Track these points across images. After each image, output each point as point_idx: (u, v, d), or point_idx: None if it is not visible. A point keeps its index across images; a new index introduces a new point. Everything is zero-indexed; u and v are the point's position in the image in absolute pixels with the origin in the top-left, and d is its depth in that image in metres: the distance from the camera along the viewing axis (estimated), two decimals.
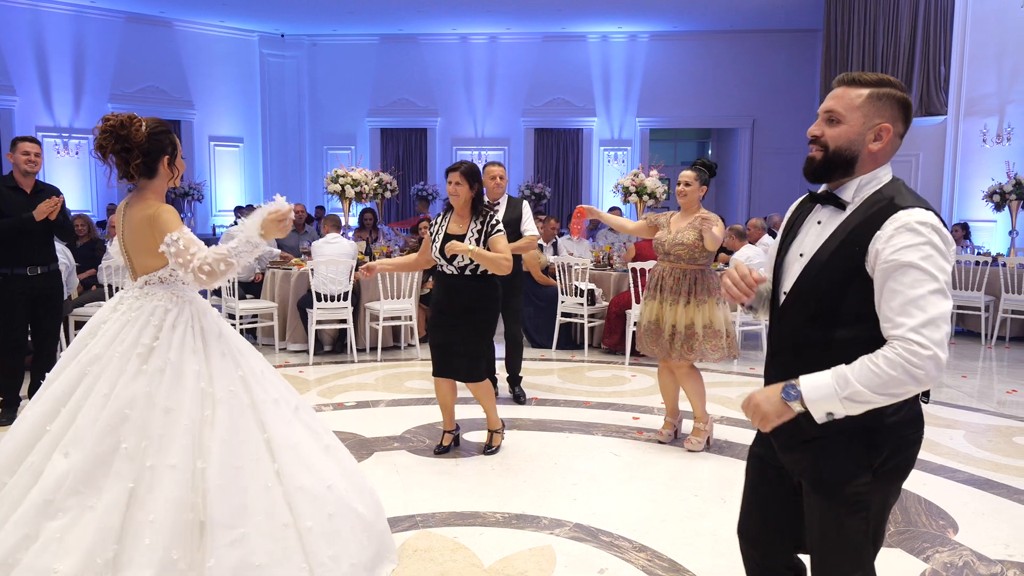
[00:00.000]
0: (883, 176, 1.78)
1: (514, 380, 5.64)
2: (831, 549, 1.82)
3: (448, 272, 4.15)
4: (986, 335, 8.12)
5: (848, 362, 1.67)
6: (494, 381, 5.65)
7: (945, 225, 1.71)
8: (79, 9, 12.34)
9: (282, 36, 14.54)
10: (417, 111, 14.55)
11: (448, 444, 4.44)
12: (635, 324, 6.78)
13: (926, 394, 1.83)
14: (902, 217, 1.67)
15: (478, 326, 4.20)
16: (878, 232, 1.68)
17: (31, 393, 5.10)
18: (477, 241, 4.09)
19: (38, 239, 4.87)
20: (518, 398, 5.57)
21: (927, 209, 1.69)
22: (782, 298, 1.87)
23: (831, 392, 1.64)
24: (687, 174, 4.51)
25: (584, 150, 14.52)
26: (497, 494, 3.87)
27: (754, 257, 7.11)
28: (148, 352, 2.52)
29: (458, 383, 4.39)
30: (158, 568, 2.28)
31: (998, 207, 9.02)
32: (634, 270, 6.65)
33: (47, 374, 2.64)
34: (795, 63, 13.66)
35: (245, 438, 2.52)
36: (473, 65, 14.51)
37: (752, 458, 2.05)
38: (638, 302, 6.71)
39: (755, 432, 2.04)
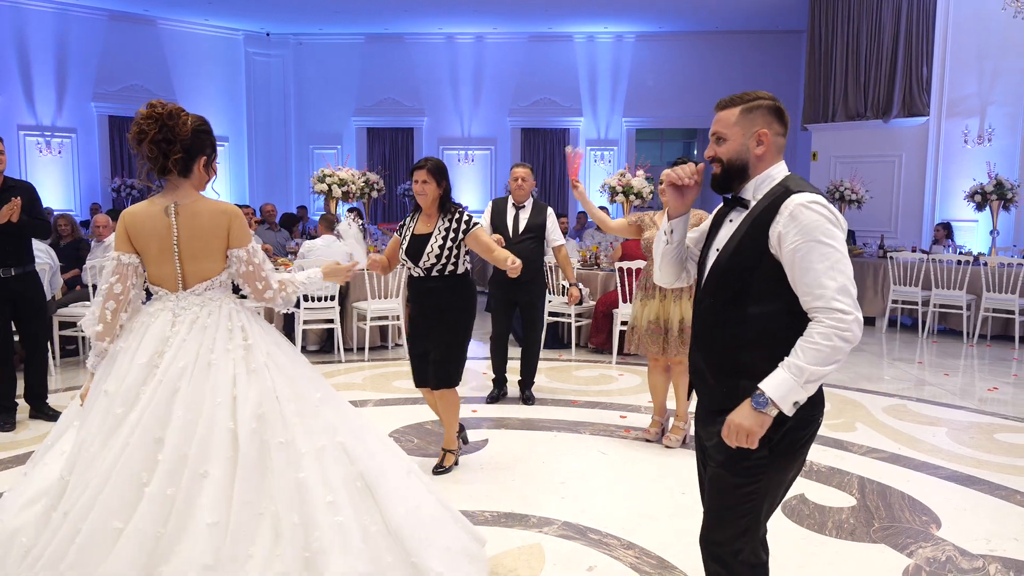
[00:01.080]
0: (776, 174, 2.03)
1: (527, 383, 5.61)
2: (720, 516, 2.05)
3: (415, 275, 3.98)
4: (968, 333, 8.21)
5: (762, 335, 1.95)
6: (501, 388, 5.65)
7: (833, 203, 1.94)
8: (62, 7, 12.23)
9: (267, 35, 14.47)
10: (404, 111, 14.53)
11: (460, 443, 4.36)
12: (624, 324, 6.83)
13: None
14: (794, 199, 1.91)
15: (451, 326, 3.98)
16: (776, 216, 1.92)
17: (27, 397, 5.04)
18: (451, 240, 3.90)
19: (8, 240, 4.69)
20: (527, 400, 5.54)
21: (815, 192, 1.94)
22: (702, 286, 2.12)
23: (792, 384, 1.85)
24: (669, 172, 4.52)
25: None
26: (486, 493, 3.88)
27: None
28: (246, 352, 2.44)
29: None
30: (360, 538, 2.30)
31: (979, 207, 9.13)
32: (621, 270, 6.68)
33: (107, 406, 2.35)
34: (780, 64, 13.75)
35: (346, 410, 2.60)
36: (459, 65, 14.50)
37: (695, 439, 2.23)
38: (625, 301, 6.74)
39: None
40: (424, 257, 3.90)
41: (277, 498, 2.26)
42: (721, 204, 2.17)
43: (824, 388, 2.01)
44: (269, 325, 2.63)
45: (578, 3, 12.31)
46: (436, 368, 3.99)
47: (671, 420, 4.77)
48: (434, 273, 3.94)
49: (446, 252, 3.91)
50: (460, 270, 4.00)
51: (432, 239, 3.90)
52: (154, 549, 2.15)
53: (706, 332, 2.08)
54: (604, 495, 3.91)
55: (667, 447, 4.60)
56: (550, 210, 5.53)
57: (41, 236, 5.07)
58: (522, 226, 5.40)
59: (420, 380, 4.14)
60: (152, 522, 2.16)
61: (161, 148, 2.45)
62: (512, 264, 3.83)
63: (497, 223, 5.42)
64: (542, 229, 5.40)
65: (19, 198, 4.60)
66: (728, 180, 2.07)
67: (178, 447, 2.24)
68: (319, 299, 6.77)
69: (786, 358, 1.87)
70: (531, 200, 5.47)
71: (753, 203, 2.01)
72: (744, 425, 1.88)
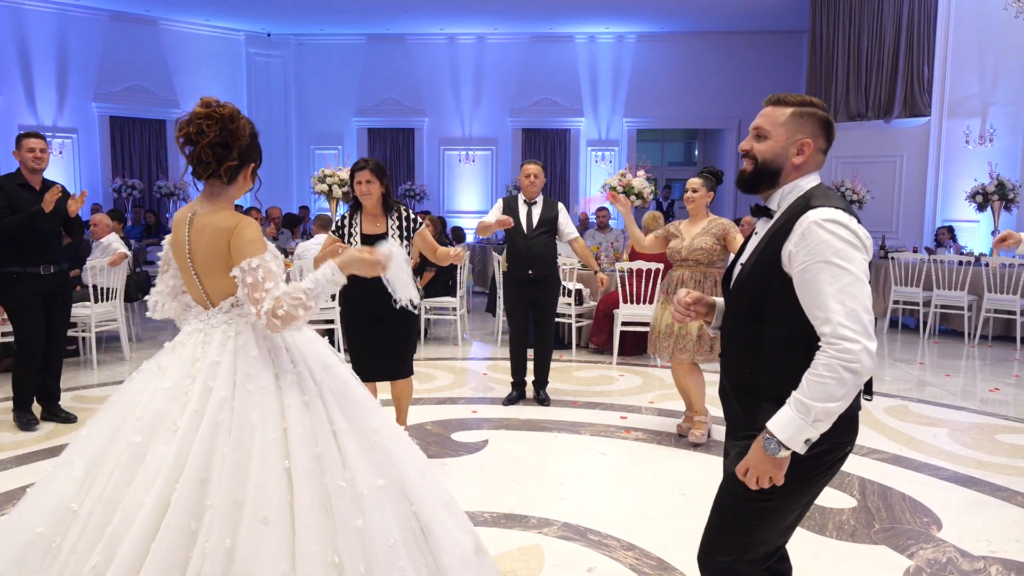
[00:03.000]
0: (804, 184, 1.91)
1: (541, 383, 5.61)
2: (723, 524, 1.98)
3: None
4: (969, 334, 8.20)
5: (779, 360, 1.84)
6: (520, 391, 5.64)
7: (859, 221, 1.81)
8: (63, 7, 12.24)
9: (268, 35, 14.47)
10: (404, 111, 14.53)
11: None
12: (624, 325, 6.83)
13: (868, 390, 1.92)
14: (809, 216, 1.78)
15: (412, 323, 4.13)
16: (793, 228, 1.80)
17: (39, 397, 5.03)
18: (404, 239, 3.97)
19: (49, 236, 4.76)
20: (543, 402, 5.54)
21: (836, 207, 1.79)
22: (727, 302, 2.04)
23: (799, 423, 1.72)
24: (694, 181, 4.62)
25: (571, 150, 14.54)
26: (485, 493, 3.88)
27: None
28: (298, 378, 2.19)
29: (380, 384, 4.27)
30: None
31: (981, 207, 9.12)
32: (622, 271, 6.67)
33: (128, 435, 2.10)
34: (781, 64, 13.73)
35: (400, 438, 2.41)
36: (460, 65, 14.49)
37: (724, 455, 2.15)
38: (626, 302, 6.74)
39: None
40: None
41: (340, 547, 2.00)
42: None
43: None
44: (318, 339, 2.38)
45: (579, 3, 12.31)
46: (399, 362, 4.14)
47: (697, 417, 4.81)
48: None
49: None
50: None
51: (389, 238, 3.92)
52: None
53: (728, 351, 2.00)
54: (604, 496, 3.90)
55: (693, 443, 4.66)
56: (561, 205, 5.55)
57: (80, 235, 5.07)
58: (535, 221, 5.41)
59: (368, 375, 3.97)
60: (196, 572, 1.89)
61: (217, 153, 2.22)
62: (455, 254, 4.01)
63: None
64: (554, 223, 5.42)
65: (60, 184, 4.71)
66: (757, 181, 1.95)
67: (230, 490, 1.96)
68: None
69: (794, 392, 1.74)
70: (542, 196, 5.49)
71: (777, 214, 1.92)
72: (760, 469, 1.78)
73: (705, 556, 2.02)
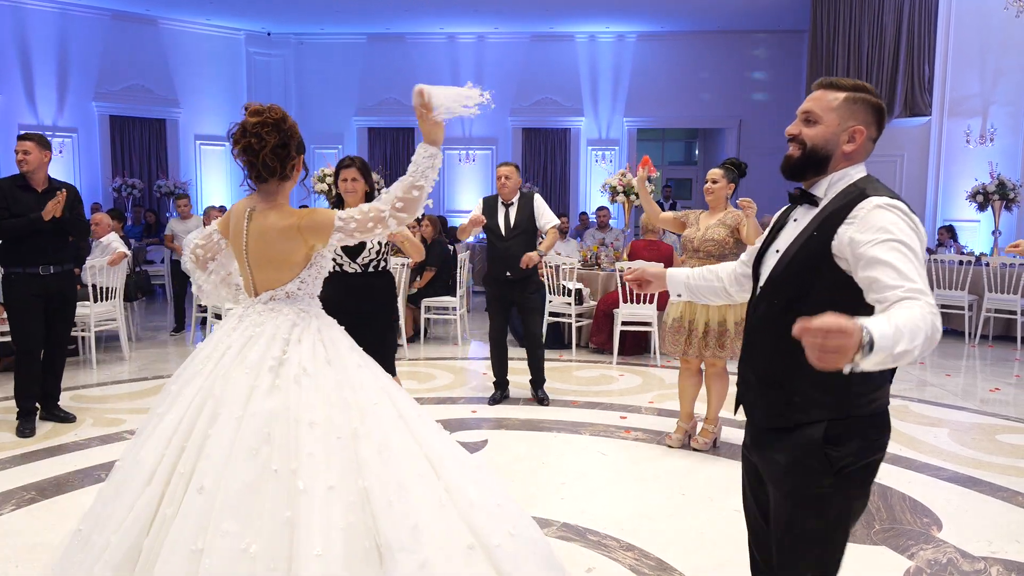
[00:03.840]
0: (854, 174, 1.84)
1: (538, 383, 5.60)
2: (791, 549, 1.85)
3: (351, 271, 4.00)
4: (970, 334, 8.19)
5: None
6: (503, 391, 5.64)
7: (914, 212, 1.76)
8: (63, 6, 12.22)
9: (268, 34, 14.46)
10: (405, 110, 14.49)
11: None
12: (624, 324, 6.82)
13: (892, 371, 1.83)
14: (872, 200, 1.73)
15: (390, 321, 4.14)
16: (848, 217, 1.73)
17: (39, 397, 5.00)
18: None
19: (51, 238, 4.73)
20: (542, 401, 5.53)
21: (895, 197, 1.75)
22: (758, 291, 1.95)
23: (890, 344, 1.46)
24: (715, 172, 4.59)
25: (572, 150, 14.53)
26: None
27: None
28: (279, 365, 2.23)
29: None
30: None
31: (981, 207, 9.11)
32: (623, 270, 6.67)
33: (158, 411, 2.27)
34: (781, 64, 13.72)
35: (404, 452, 2.21)
36: (461, 64, 14.48)
37: (743, 453, 2.07)
38: (626, 301, 6.73)
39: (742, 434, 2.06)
40: (364, 253, 4.01)
41: (262, 533, 1.97)
42: (779, 214, 2.03)
43: None
44: (341, 345, 2.40)
45: (579, 3, 12.29)
46: (382, 360, 4.08)
47: (699, 425, 4.72)
48: (370, 269, 4.05)
49: (382, 248, 4.07)
50: (383, 266, 4.15)
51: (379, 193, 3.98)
52: (137, 562, 2.02)
53: (758, 341, 1.91)
54: (604, 496, 3.89)
55: (695, 449, 4.58)
56: (537, 197, 5.50)
57: (81, 235, 5.03)
58: (512, 222, 5.39)
59: None
60: (137, 535, 2.03)
61: (279, 155, 2.33)
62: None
63: (489, 222, 5.42)
64: (532, 221, 5.38)
65: (63, 191, 4.67)
66: (804, 168, 1.87)
67: (192, 459, 2.09)
68: None
69: (889, 318, 1.50)
70: (519, 196, 5.46)
71: (824, 202, 1.83)
72: (835, 333, 1.43)
73: None
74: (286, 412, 2.13)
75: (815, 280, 1.78)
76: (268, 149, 2.30)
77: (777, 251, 1.91)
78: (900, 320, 1.50)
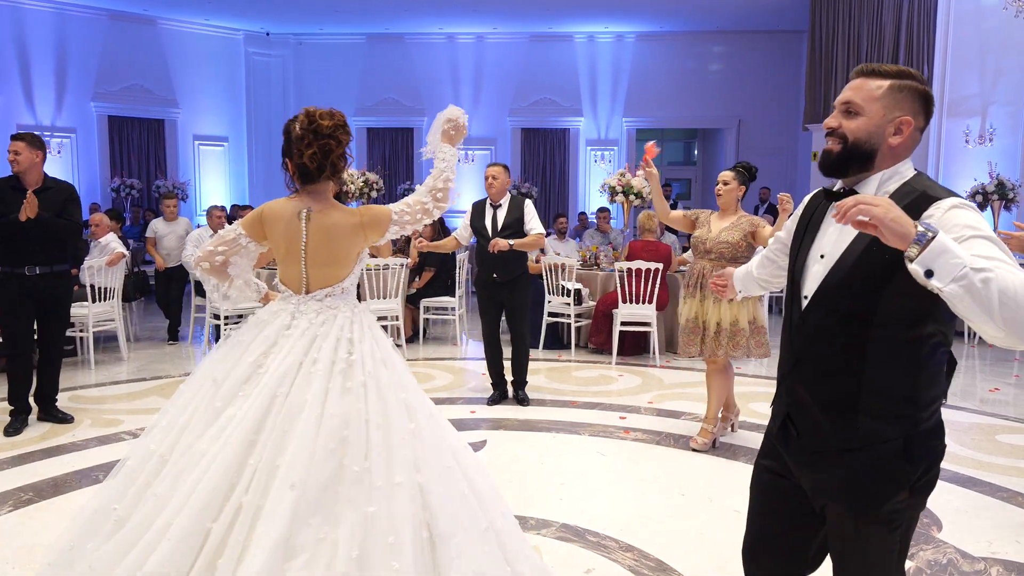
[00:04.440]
0: (905, 171, 1.70)
1: (520, 383, 5.59)
2: (862, 567, 1.74)
3: None
4: (969, 334, 8.19)
5: (887, 363, 1.63)
6: (501, 391, 5.63)
7: None
8: (61, 6, 12.21)
9: (267, 35, 14.45)
10: (404, 111, 14.50)
11: None
12: (624, 325, 6.82)
13: (945, 392, 1.76)
14: (947, 202, 1.58)
15: None
16: (921, 219, 1.53)
17: (36, 398, 5.01)
18: None
19: (36, 238, 4.68)
20: (522, 401, 5.53)
21: (961, 199, 1.63)
22: (804, 302, 1.77)
23: (961, 260, 1.37)
24: (726, 174, 4.60)
25: (571, 150, 14.52)
26: None
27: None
28: (348, 367, 2.35)
29: None
30: None
31: (980, 207, 9.10)
32: (622, 270, 6.66)
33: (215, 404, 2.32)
34: (780, 64, 13.72)
35: (441, 446, 2.39)
36: (460, 65, 14.48)
37: (762, 472, 1.93)
38: (625, 301, 6.72)
39: (760, 439, 1.92)
40: None
41: (341, 527, 2.12)
42: (818, 192, 1.84)
43: None
44: (384, 339, 2.54)
45: (578, 3, 12.29)
46: None
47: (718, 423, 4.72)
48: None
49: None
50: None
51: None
52: (216, 553, 2.06)
53: (813, 358, 1.73)
54: (603, 497, 3.88)
55: (693, 449, 4.57)
56: (527, 202, 5.48)
57: (67, 236, 4.88)
58: (500, 224, 5.37)
59: None
60: (238, 531, 2.08)
61: (344, 155, 2.51)
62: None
63: (477, 224, 5.42)
64: (521, 224, 5.36)
65: (31, 192, 4.55)
66: (846, 164, 1.70)
67: (271, 454, 2.17)
68: None
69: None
70: (508, 197, 5.44)
71: None
72: (890, 216, 1.36)
73: None
74: (358, 415, 2.27)
75: (881, 289, 1.61)
76: (342, 150, 2.48)
77: (822, 256, 1.73)
78: (983, 260, 1.39)
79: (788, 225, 1.98)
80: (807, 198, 1.90)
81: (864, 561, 1.72)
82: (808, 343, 1.75)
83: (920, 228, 1.38)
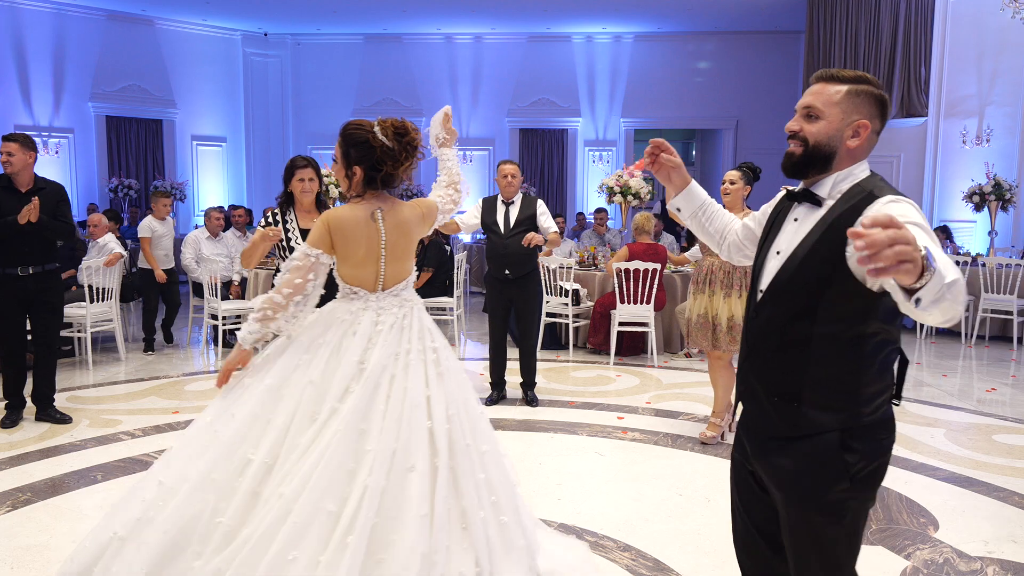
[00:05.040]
0: (859, 172, 1.77)
1: (528, 385, 5.59)
2: (809, 561, 1.80)
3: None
4: (966, 334, 8.20)
5: (828, 361, 1.70)
6: (500, 392, 5.64)
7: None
8: (59, 7, 12.20)
9: (265, 35, 14.45)
10: (402, 111, 14.48)
11: None
12: (622, 325, 6.83)
13: (898, 394, 1.83)
14: (887, 196, 1.66)
15: None
16: (861, 217, 1.62)
17: (34, 398, 5.02)
18: None
19: (26, 240, 4.70)
20: (531, 402, 5.52)
21: (905, 198, 1.68)
22: (759, 296, 1.86)
23: (941, 267, 1.35)
24: (732, 174, 4.67)
25: (569, 150, 14.53)
26: None
27: None
28: (435, 354, 2.59)
29: None
30: (520, 534, 2.53)
31: (978, 208, 9.12)
32: (619, 271, 6.66)
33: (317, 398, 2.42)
34: (778, 64, 13.74)
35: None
36: (458, 65, 14.48)
37: (735, 464, 2.01)
38: (623, 302, 6.73)
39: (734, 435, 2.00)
40: None
41: (466, 495, 2.41)
42: (783, 194, 1.91)
43: None
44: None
45: (576, 4, 12.30)
46: None
47: (727, 417, 4.80)
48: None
49: None
50: None
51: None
52: (372, 537, 2.24)
53: (763, 349, 1.82)
54: (601, 497, 3.89)
55: (702, 442, 4.67)
56: (540, 202, 5.51)
57: (61, 237, 4.97)
58: (513, 221, 5.39)
59: None
60: (366, 511, 2.24)
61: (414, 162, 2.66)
62: None
63: (488, 220, 5.42)
64: (533, 222, 5.39)
65: (37, 198, 4.61)
66: (807, 165, 1.78)
67: (385, 441, 2.33)
68: None
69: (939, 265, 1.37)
70: (520, 195, 5.46)
71: (829, 203, 1.75)
72: (900, 241, 1.25)
73: None
74: (452, 396, 2.54)
75: (824, 288, 1.69)
76: (414, 155, 2.65)
77: (778, 253, 1.81)
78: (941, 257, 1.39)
79: (759, 216, 2.04)
80: (778, 196, 1.95)
81: (810, 549, 1.78)
82: (759, 335, 1.83)
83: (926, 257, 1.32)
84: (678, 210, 2.20)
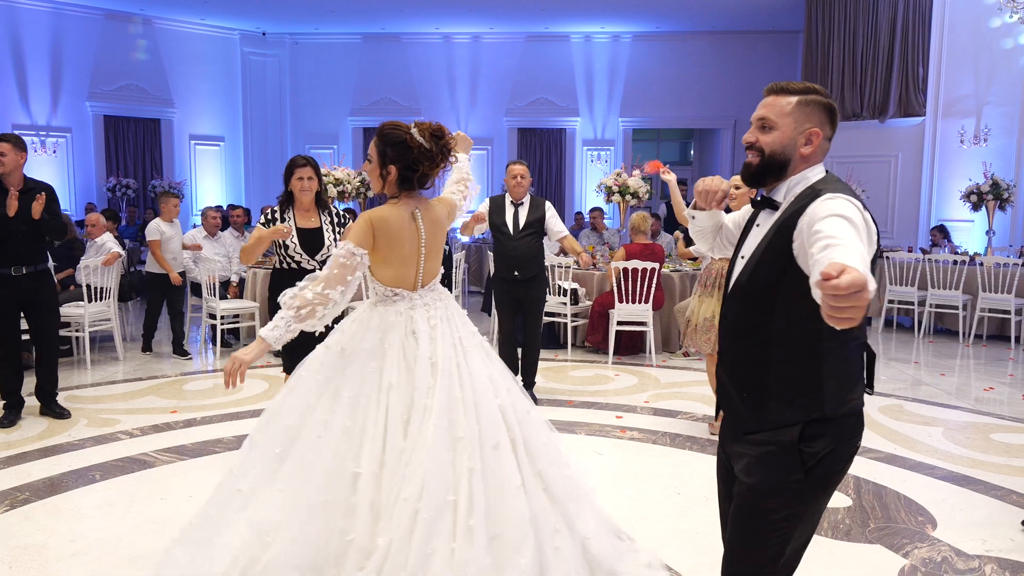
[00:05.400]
0: (812, 175, 1.85)
1: (529, 383, 5.59)
2: (745, 543, 1.88)
3: (309, 267, 4.03)
4: (964, 333, 8.21)
5: (786, 356, 1.79)
6: None
7: (870, 213, 1.75)
8: (57, 6, 12.19)
9: (263, 34, 14.44)
10: (400, 110, 14.49)
11: None
12: (620, 324, 6.83)
13: (870, 383, 1.86)
14: (824, 197, 1.72)
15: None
16: (802, 216, 1.71)
17: (37, 394, 5.05)
18: (337, 234, 4.13)
19: (23, 238, 4.71)
20: (533, 401, 5.53)
21: (847, 197, 1.70)
22: (727, 297, 1.97)
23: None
24: (737, 178, 4.66)
25: (567, 150, 14.54)
26: None
27: None
28: (478, 339, 2.74)
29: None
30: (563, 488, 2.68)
31: (975, 207, 9.14)
32: (618, 270, 6.66)
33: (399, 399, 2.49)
34: (776, 64, 13.74)
35: None
36: (456, 64, 14.48)
37: (719, 461, 2.09)
38: (621, 301, 6.73)
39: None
40: (323, 250, 4.08)
41: (539, 458, 2.59)
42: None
43: None
44: None
45: (575, 3, 12.30)
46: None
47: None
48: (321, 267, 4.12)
49: (335, 245, 4.11)
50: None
51: (325, 233, 4.10)
52: (487, 516, 2.38)
53: (730, 348, 1.94)
54: (599, 495, 3.87)
55: (712, 434, 4.73)
56: (548, 203, 5.52)
57: (57, 235, 4.99)
58: (522, 222, 5.39)
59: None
60: (478, 493, 2.38)
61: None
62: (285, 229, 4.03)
63: (497, 221, 5.42)
64: (541, 224, 5.40)
65: (43, 194, 4.65)
66: (764, 174, 1.88)
67: (470, 426, 2.46)
68: None
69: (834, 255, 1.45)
70: (529, 196, 5.47)
71: (784, 205, 1.84)
72: (860, 283, 1.27)
73: (727, 570, 1.94)
74: (501, 374, 2.70)
75: (779, 286, 1.78)
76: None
77: (743, 257, 1.92)
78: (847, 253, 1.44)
79: (737, 219, 2.16)
80: (746, 210, 2.08)
81: (744, 535, 1.87)
82: (728, 335, 1.95)
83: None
84: (693, 217, 2.22)
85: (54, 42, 12.27)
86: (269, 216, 4.14)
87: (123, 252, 7.23)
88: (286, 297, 2.48)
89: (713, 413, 5.28)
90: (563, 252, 8.72)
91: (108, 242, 7.09)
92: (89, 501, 3.76)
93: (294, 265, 4.07)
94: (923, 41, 10.46)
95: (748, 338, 1.86)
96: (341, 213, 4.25)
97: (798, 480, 1.79)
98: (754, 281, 1.84)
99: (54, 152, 12.28)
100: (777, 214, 1.84)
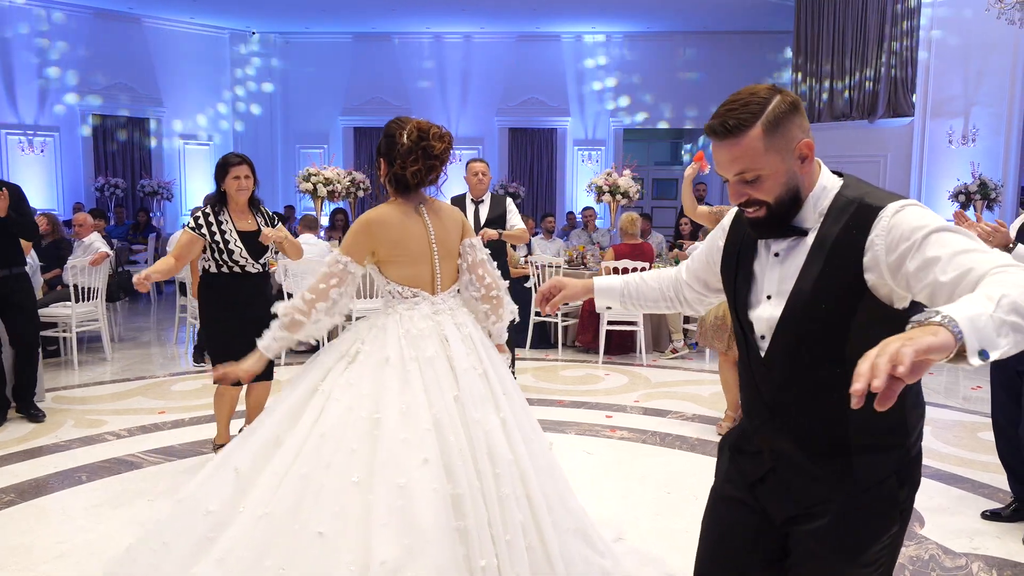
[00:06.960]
0: (829, 183, 1.56)
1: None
2: None
3: (253, 271, 3.96)
4: None
5: (870, 397, 1.35)
6: None
7: None
8: (45, 4, 12.10)
9: (253, 33, 14.38)
10: (391, 110, 14.46)
11: None
12: (610, 324, 6.83)
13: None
14: (892, 205, 1.44)
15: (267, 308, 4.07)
16: (870, 236, 1.43)
17: (14, 395, 5.01)
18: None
19: (1, 241, 4.67)
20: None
21: (897, 197, 1.49)
22: (759, 344, 1.60)
23: (987, 316, 1.11)
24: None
25: (558, 150, 14.54)
26: None
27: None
28: (490, 343, 2.74)
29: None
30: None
31: (963, 207, 9.19)
32: (609, 269, 6.67)
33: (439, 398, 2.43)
34: (767, 64, 13.80)
35: None
36: (447, 64, 14.46)
37: (722, 502, 1.78)
38: None
39: (724, 468, 1.77)
40: (267, 254, 4.02)
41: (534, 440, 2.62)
42: (728, 220, 1.72)
43: None
44: None
45: (566, 3, 12.31)
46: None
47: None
48: (265, 268, 4.06)
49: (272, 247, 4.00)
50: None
51: (261, 234, 3.93)
52: (545, 495, 2.47)
53: (790, 406, 1.57)
54: (589, 495, 3.87)
55: (720, 435, 4.68)
56: (509, 200, 5.50)
57: (27, 235, 4.91)
58: (483, 220, 5.37)
59: (265, 374, 3.87)
60: (540, 476, 2.49)
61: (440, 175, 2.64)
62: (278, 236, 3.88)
63: None
64: (503, 221, 5.37)
65: (5, 190, 4.56)
66: (781, 220, 1.54)
67: (511, 417, 2.50)
68: None
69: (984, 291, 1.17)
70: (489, 194, 5.46)
71: (816, 228, 1.51)
72: (916, 344, 1.08)
73: None
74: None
75: (852, 319, 1.46)
76: (442, 170, 2.63)
77: (769, 297, 1.57)
78: (992, 288, 1.16)
79: (705, 255, 1.83)
80: (730, 216, 1.74)
81: None
82: (779, 391, 1.58)
83: (936, 320, 1.12)
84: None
85: (41, 40, 12.18)
86: (202, 220, 3.87)
87: (111, 252, 7.19)
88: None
89: (709, 414, 5.30)
90: (559, 254, 8.73)
91: (96, 242, 7.05)
92: (75, 503, 3.73)
93: (237, 269, 3.90)
94: (912, 42, 10.51)
95: (812, 391, 1.52)
96: (272, 215, 4.12)
97: (896, 532, 1.55)
98: (812, 321, 1.49)
99: (42, 151, 12.19)
100: (812, 240, 1.52)
